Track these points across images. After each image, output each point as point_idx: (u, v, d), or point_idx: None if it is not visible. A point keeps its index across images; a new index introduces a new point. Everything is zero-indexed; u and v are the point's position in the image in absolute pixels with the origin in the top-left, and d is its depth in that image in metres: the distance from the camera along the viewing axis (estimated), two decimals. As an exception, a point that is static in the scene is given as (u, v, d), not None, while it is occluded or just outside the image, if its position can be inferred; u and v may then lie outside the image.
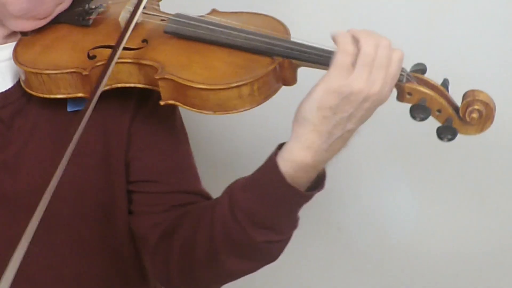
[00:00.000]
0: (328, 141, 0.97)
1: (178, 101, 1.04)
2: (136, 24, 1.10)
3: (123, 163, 1.14)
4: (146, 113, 1.14)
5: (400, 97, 1.01)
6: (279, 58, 1.03)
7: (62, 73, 1.06)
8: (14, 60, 1.09)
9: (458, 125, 1.00)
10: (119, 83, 1.08)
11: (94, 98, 0.99)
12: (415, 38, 1.50)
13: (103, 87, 1.00)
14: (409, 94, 1.00)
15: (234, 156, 1.69)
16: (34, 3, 1.08)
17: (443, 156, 1.55)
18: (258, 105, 1.03)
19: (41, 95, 1.09)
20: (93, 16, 1.12)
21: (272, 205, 1.00)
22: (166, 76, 1.02)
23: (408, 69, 1.02)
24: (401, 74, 0.98)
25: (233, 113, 1.02)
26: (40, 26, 1.12)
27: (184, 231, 1.10)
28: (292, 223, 1.05)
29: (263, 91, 1.02)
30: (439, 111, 1.00)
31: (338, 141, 0.98)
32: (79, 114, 0.98)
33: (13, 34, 1.14)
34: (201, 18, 1.11)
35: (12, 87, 1.13)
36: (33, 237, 0.94)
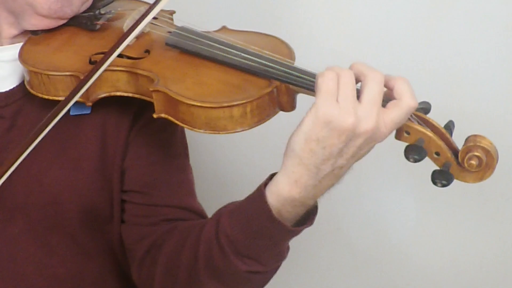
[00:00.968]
0: (316, 177, 0.91)
1: (170, 115, 1.01)
2: (142, 33, 1.10)
3: (119, 170, 1.14)
4: (144, 123, 1.13)
5: (398, 135, 0.96)
6: (277, 82, 0.99)
7: (60, 75, 1.06)
8: (18, 58, 1.10)
9: (455, 171, 0.94)
10: (118, 91, 1.07)
11: (71, 99, 0.98)
12: (416, 38, 1.48)
13: (84, 89, 1.00)
14: (407, 132, 0.95)
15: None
16: (63, 3, 1.10)
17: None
18: (250, 128, 0.99)
19: (40, 95, 1.09)
20: (100, 22, 1.12)
21: (256, 236, 0.97)
22: (158, 88, 1.00)
23: None
24: None
25: (224, 133, 0.99)
26: (59, 24, 1.12)
27: (170, 247, 1.08)
28: (279, 256, 1.01)
29: (256, 113, 0.99)
30: (437, 153, 0.94)
31: (328, 177, 0.92)
32: (50, 113, 0.99)
33: (21, 34, 1.15)
34: (204, 33, 1.09)
35: (16, 86, 1.14)
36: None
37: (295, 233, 0.97)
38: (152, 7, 1.03)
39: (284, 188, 0.93)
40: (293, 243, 1.04)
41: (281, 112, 1.02)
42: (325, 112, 0.88)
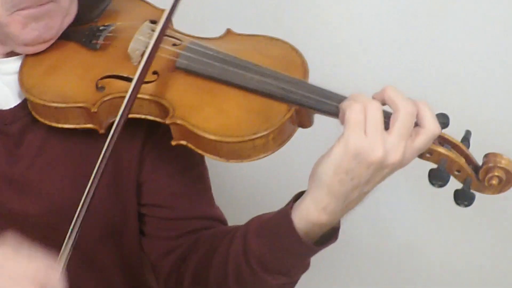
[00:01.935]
0: (344, 203, 0.95)
1: (190, 144, 1.00)
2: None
3: (134, 184, 1.13)
4: (158, 136, 1.11)
5: (420, 156, 0.98)
6: (296, 106, 0.98)
7: (69, 107, 1.02)
8: (20, 85, 1.05)
9: (475, 185, 0.97)
10: (131, 113, 1.03)
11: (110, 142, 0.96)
12: (416, 38, 1.47)
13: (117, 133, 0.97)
14: (429, 153, 0.97)
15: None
16: (40, 30, 1.03)
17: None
18: (273, 152, 0.99)
19: (48, 123, 1.05)
20: (100, 41, 1.06)
21: (284, 256, 1.00)
22: (176, 121, 0.98)
23: None
24: None
25: (247, 161, 0.99)
26: (49, 45, 1.07)
27: (197, 261, 1.10)
28: (306, 267, 1.05)
29: (278, 138, 0.99)
30: (458, 171, 0.97)
31: (354, 201, 0.96)
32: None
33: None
34: (214, 52, 1.03)
35: (21, 102, 1.09)
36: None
37: (322, 249, 1.01)
38: (162, 31, 0.98)
39: (313, 214, 0.95)
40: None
41: None
42: (355, 145, 0.90)
